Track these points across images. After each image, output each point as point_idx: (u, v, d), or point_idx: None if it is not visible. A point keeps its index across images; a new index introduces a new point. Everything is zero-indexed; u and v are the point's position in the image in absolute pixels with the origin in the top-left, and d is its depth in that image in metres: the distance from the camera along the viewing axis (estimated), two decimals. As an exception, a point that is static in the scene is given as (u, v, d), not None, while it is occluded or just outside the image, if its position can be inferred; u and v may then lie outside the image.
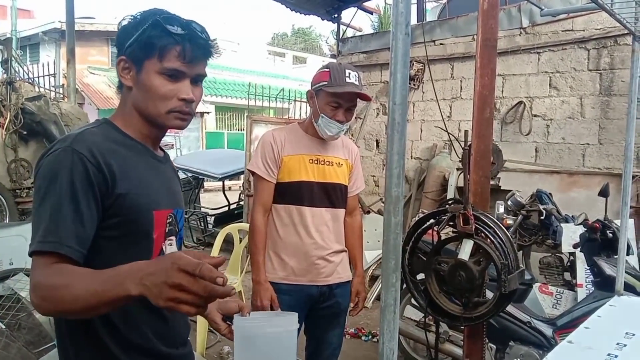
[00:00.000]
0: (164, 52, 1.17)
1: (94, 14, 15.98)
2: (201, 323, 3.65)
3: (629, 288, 2.96)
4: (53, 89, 5.41)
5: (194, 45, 1.20)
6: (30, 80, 4.60)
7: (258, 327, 1.27)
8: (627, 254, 3.13)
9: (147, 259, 1.14)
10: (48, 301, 1.03)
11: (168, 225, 1.28)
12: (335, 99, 2.20)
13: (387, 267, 0.67)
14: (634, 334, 1.58)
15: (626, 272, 3.04)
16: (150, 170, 1.27)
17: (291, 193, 2.27)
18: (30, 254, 1.08)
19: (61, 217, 1.08)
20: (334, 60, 7.62)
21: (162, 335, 1.28)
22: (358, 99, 2.28)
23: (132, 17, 1.23)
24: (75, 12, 4.82)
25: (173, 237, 1.31)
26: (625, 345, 1.50)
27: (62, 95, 5.16)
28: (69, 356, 1.21)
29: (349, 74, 2.20)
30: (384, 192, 0.72)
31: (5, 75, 4.10)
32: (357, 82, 2.21)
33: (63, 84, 5.48)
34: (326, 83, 2.20)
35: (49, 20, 15.14)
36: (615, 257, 2.45)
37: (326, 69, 2.26)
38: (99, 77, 15.81)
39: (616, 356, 1.42)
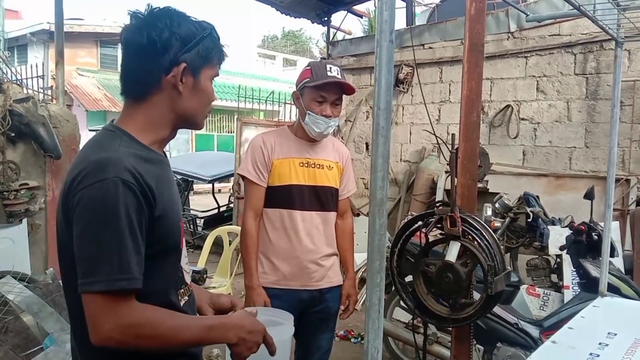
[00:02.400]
0: (220, 61, 1.28)
1: (82, 16, 15.91)
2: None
3: (613, 289, 3.00)
4: (41, 90, 5.37)
5: (224, 54, 1.31)
6: (18, 82, 4.56)
7: None
8: (612, 256, 3.17)
9: (177, 267, 1.26)
10: (138, 339, 1.09)
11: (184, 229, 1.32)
12: (319, 93, 2.21)
13: (372, 267, 0.69)
14: (615, 334, 1.61)
15: (611, 273, 3.09)
16: (170, 182, 1.28)
17: (282, 197, 2.27)
18: (96, 291, 1.06)
19: (127, 252, 1.07)
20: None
21: None
22: (344, 95, 2.29)
23: (151, 22, 1.19)
24: (64, 14, 4.79)
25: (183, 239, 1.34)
26: (607, 345, 1.52)
27: (50, 97, 5.13)
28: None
29: (330, 68, 2.22)
30: (370, 194, 0.74)
31: (-7, 77, 4.08)
32: (338, 76, 2.23)
33: (52, 86, 5.45)
34: (309, 79, 2.22)
35: (37, 22, 15.03)
36: (601, 259, 2.49)
37: (308, 67, 2.28)
38: (87, 79, 15.73)
39: (598, 355, 1.45)
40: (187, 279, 1.33)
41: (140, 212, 1.11)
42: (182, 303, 1.27)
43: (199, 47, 1.21)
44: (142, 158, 1.17)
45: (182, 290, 1.29)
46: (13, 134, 3.86)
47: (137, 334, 1.08)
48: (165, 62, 1.18)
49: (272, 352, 1.28)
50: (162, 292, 1.22)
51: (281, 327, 1.35)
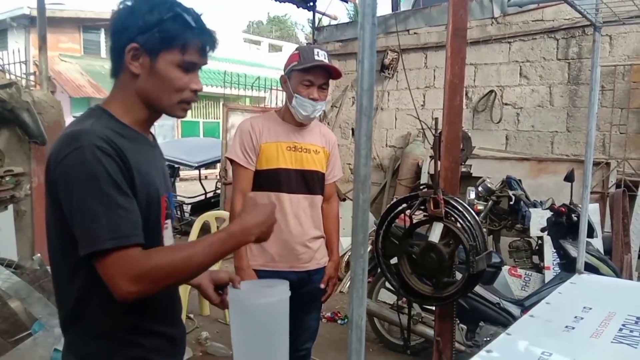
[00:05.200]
0: (187, 46, 1.21)
1: (63, 1, 15.59)
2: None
3: (592, 269, 3.09)
4: (24, 76, 5.31)
5: (211, 41, 1.26)
6: (0, 68, 4.52)
7: (253, 298, 1.37)
8: (591, 237, 3.26)
9: (156, 244, 1.24)
10: (156, 283, 1.12)
11: (166, 209, 1.33)
12: (306, 77, 2.25)
13: (356, 240, 0.73)
14: (591, 308, 1.68)
15: (590, 254, 3.18)
16: (150, 159, 1.30)
17: (269, 180, 2.30)
18: (99, 254, 1.08)
19: (119, 210, 1.10)
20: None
21: (165, 315, 1.32)
22: (331, 80, 2.32)
23: (131, 5, 1.22)
24: (46, -2, 4.74)
25: (169, 220, 1.36)
26: (582, 319, 1.59)
27: (34, 83, 5.08)
28: (80, 346, 1.23)
29: (317, 52, 2.26)
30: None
31: (-26, 63, 4.03)
32: (326, 60, 2.26)
33: (34, 72, 5.39)
34: (296, 63, 2.26)
35: (17, 6, 14.73)
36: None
37: (296, 52, 2.32)
38: (70, 65, 15.48)
39: (573, 328, 1.52)
40: None
41: (122, 173, 1.14)
42: None
43: (157, 29, 1.18)
44: (117, 133, 1.20)
45: None
46: (-4, 120, 3.83)
47: (151, 279, 1.11)
48: (123, 42, 1.21)
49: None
50: None
51: (281, 286, 1.40)
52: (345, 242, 4.99)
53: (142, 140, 1.30)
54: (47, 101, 4.25)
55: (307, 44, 10.01)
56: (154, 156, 1.34)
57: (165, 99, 1.25)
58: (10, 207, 3.86)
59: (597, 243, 3.75)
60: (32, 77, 5.31)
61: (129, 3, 1.22)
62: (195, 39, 1.22)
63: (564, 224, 3.32)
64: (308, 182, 2.36)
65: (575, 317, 1.60)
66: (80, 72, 15.21)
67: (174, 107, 1.26)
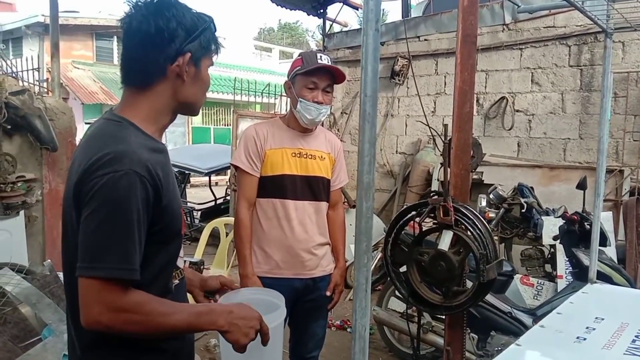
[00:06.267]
0: (217, 52, 1.33)
1: (77, 8, 15.81)
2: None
3: (605, 278, 3.04)
4: (37, 83, 5.36)
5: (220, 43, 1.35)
6: (13, 74, 4.57)
7: None
8: (604, 245, 3.21)
9: (178, 253, 1.30)
10: (126, 324, 1.11)
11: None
12: (310, 79, 2.24)
13: (359, 248, 0.71)
14: (603, 319, 1.65)
15: (603, 262, 3.13)
16: (171, 170, 1.31)
17: (274, 186, 2.29)
18: (97, 277, 1.09)
19: (132, 244, 1.11)
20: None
21: None
22: (340, 86, 2.32)
23: (156, 11, 1.21)
24: (59, 6, 4.78)
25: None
26: (594, 329, 1.56)
27: (46, 90, 5.13)
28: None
29: (320, 56, 2.26)
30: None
31: (-12, 70, 4.08)
32: (328, 63, 2.26)
33: (47, 78, 5.45)
34: (300, 68, 2.26)
35: (31, 14, 14.94)
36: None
37: (299, 57, 2.32)
38: (83, 72, 15.66)
39: (585, 339, 1.49)
40: (180, 263, 1.38)
41: (147, 206, 1.15)
42: (173, 285, 1.32)
43: (201, 37, 1.25)
44: (150, 149, 1.21)
45: (175, 273, 1.33)
46: (9, 127, 3.86)
47: (126, 319, 1.11)
48: (172, 52, 1.21)
49: (264, 342, 1.25)
50: (163, 276, 1.27)
51: (274, 313, 1.35)
52: (353, 249, 4.97)
53: (164, 150, 1.31)
54: (59, 108, 4.28)
55: (317, 50, 10.03)
56: (170, 164, 1.36)
57: (201, 100, 1.35)
58: (22, 212, 3.88)
59: (611, 252, 3.70)
60: (44, 84, 5.36)
61: (166, 14, 1.22)
62: (218, 44, 1.33)
63: (577, 232, 3.28)
64: (313, 188, 2.34)
65: (587, 327, 1.57)
66: (93, 79, 15.38)
67: (200, 107, 1.37)
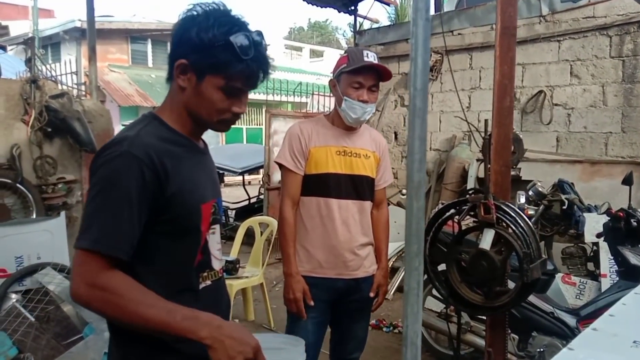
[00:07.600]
0: (232, 75, 1.22)
1: (112, 12, 16.15)
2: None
3: (654, 277, 2.92)
4: (75, 86, 5.49)
5: (262, 73, 1.26)
6: (52, 78, 4.69)
7: None
8: (653, 243, 3.09)
9: (196, 249, 1.27)
10: (101, 303, 1.12)
11: (212, 215, 1.34)
12: (356, 78, 2.19)
13: (410, 251, 0.68)
14: (659, 322, 1.56)
15: (651, 261, 3.01)
16: (197, 165, 1.32)
17: (318, 185, 2.25)
18: (80, 248, 1.12)
19: (118, 220, 1.13)
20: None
21: None
22: (380, 82, 2.27)
23: (196, 16, 1.22)
24: (95, 11, 4.89)
25: (216, 226, 1.37)
26: (650, 333, 1.48)
27: (84, 93, 5.25)
28: (120, 353, 1.27)
29: (367, 54, 2.20)
30: (404, 183, 0.73)
31: (29, 74, 4.19)
32: (375, 61, 2.20)
33: (85, 82, 5.58)
34: (345, 65, 2.21)
35: (69, 20, 15.34)
36: (640, 245, 2.42)
37: (345, 54, 2.28)
38: (119, 75, 15.99)
39: (641, 343, 1.41)
40: (216, 264, 1.36)
41: (144, 188, 1.16)
42: (201, 286, 1.30)
43: (209, 53, 1.19)
44: (165, 139, 1.24)
45: (205, 274, 1.32)
46: (49, 129, 3.96)
47: (101, 298, 1.11)
48: (176, 55, 1.25)
49: None
50: (178, 273, 1.25)
51: (291, 350, 1.28)
52: (390, 247, 4.92)
53: (191, 146, 1.32)
54: (97, 110, 4.37)
55: (347, 48, 9.99)
56: (203, 162, 1.36)
57: (204, 116, 1.28)
58: (63, 213, 3.98)
59: (659, 250, 3.55)
60: (82, 87, 5.49)
61: (194, 13, 1.24)
62: (243, 69, 1.21)
63: (622, 229, 3.15)
64: (357, 187, 2.29)
65: (643, 330, 1.49)
66: (129, 82, 15.68)
67: (213, 124, 1.30)
